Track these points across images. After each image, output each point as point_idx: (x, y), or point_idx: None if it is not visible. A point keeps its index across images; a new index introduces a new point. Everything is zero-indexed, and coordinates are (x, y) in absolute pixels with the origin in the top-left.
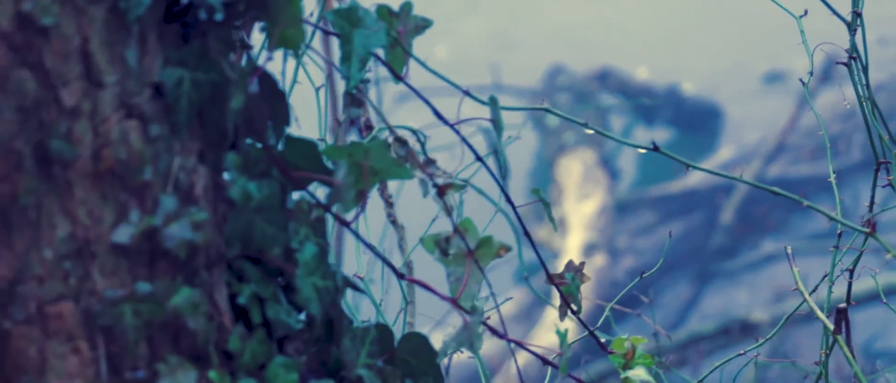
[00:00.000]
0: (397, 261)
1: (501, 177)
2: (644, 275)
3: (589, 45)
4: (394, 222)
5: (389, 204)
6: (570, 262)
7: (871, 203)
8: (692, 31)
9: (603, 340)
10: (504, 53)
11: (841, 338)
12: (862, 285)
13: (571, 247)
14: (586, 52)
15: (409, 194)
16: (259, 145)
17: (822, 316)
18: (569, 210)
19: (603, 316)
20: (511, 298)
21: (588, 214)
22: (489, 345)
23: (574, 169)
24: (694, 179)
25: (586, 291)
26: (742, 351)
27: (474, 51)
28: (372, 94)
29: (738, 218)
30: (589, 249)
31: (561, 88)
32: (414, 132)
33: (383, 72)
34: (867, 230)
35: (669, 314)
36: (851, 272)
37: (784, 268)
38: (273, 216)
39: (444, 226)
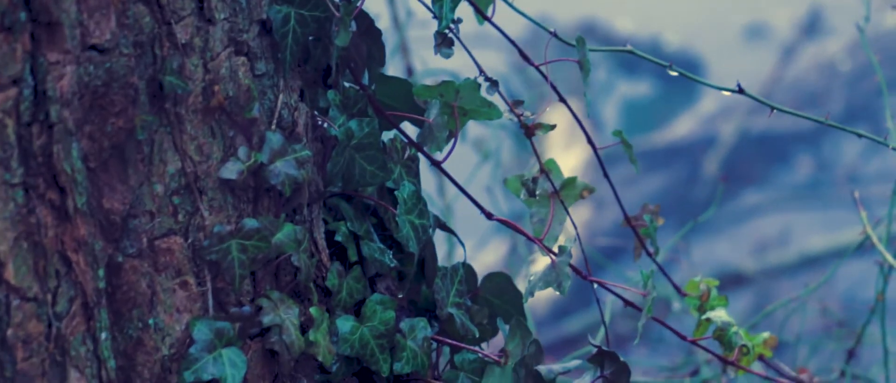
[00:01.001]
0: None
1: (585, 116)
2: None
3: None
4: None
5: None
6: (646, 205)
7: None
8: None
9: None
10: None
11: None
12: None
13: None
14: (569, 2)
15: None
16: (353, 85)
17: (882, 249)
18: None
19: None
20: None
21: (572, 165)
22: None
23: (557, 120)
24: (677, 132)
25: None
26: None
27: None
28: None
29: (721, 170)
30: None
31: (544, 40)
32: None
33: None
34: None
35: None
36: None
37: (766, 220)
38: (373, 154)
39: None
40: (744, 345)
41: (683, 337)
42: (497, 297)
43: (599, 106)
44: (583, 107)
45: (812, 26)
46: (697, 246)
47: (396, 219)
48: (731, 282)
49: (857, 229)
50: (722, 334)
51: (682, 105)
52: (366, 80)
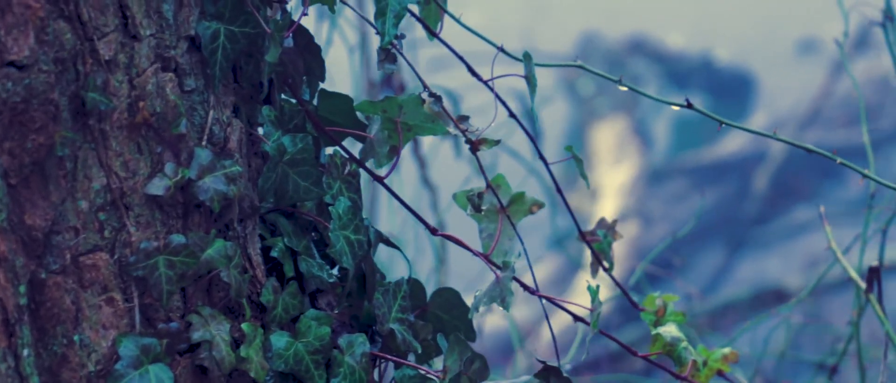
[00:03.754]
0: (431, 222)
1: (534, 134)
2: (678, 236)
3: (622, 11)
4: (427, 182)
5: (422, 164)
6: (603, 220)
7: None
8: None
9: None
10: (537, 19)
11: (873, 297)
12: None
13: (604, 215)
14: (619, 18)
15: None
16: (293, 100)
17: (853, 274)
18: (601, 177)
19: (636, 274)
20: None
21: (621, 181)
22: (522, 311)
23: (607, 136)
24: (727, 148)
25: (620, 258)
26: (780, 316)
27: (508, 16)
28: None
29: (771, 186)
30: (622, 217)
31: (594, 55)
32: (447, 92)
33: (419, 32)
34: None
35: (701, 281)
36: (884, 232)
37: (816, 236)
38: (307, 169)
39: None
40: (692, 361)
41: (635, 353)
42: (446, 313)
43: (650, 122)
44: (632, 122)
45: (863, 41)
46: (747, 262)
47: (330, 234)
48: (775, 298)
49: None
50: (671, 349)
51: (734, 120)
52: (308, 96)
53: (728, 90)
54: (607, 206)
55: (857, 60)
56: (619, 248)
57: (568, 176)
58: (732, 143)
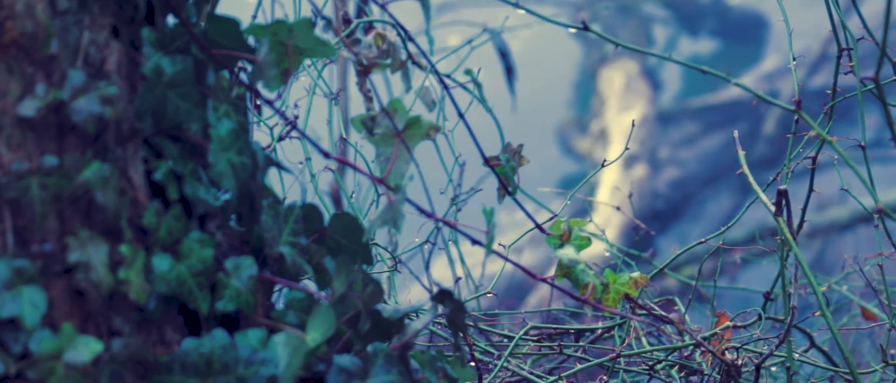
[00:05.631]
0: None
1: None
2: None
3: None
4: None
5: (368, 98)
6: (508, 144)
7: None
8: None
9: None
10: None
11: (781, 220)
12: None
13: (613, 158)
14: None
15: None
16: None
17: (761, 193)
18: (610, 121)
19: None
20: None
21: (630, 125)
22: (535, 255)
23: (616, 80)
24: (736, 91)
25: (628, 202)
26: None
27: None
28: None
29: (781, 128)
30: (630, 160)
31: None
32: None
33: None
34: None
35: (712, 224)
36: (814, 158)
37: (826, 178)
38: (187, 91)
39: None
40: (590, 283)
41: (534, 276)
42: (344, 237)
43: (661, 65)
44: (640, 67)
45: None
46: (757, 204)
47: (210, 156)
48: (772, 238)
49: None
50: (568, 271)
51: (746, 63)
52: (196, 19)
53: (740, 33)
54: (615, 150)
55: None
56: (625, 191)
57: (580, 121)
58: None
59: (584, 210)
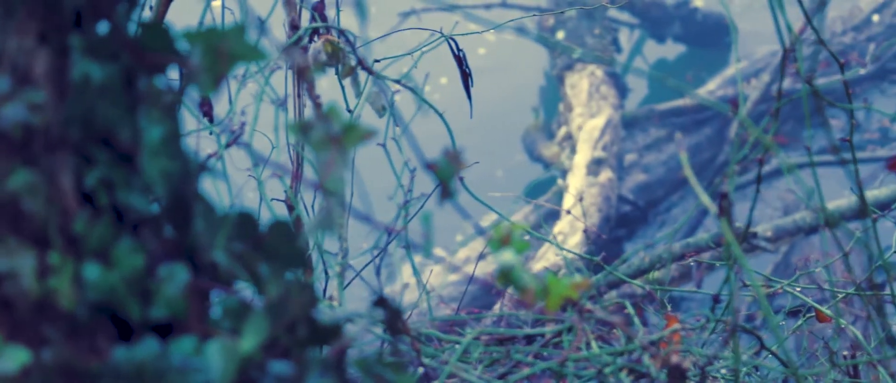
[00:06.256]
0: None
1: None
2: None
3: None
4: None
5: (318, 105)
6: (448, 148)
7: None
8: None
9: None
10: None
11: (724, 221)
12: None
13: (579, 164)
14: None
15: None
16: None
17: (703, 196)
18: (576, 127)
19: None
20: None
21: (596, 130)
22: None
23: (582, 85)
24: (703, 94)
25: (593, 207)
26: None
27: None
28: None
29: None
30: (596, 165)
31: (569, 3)
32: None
33: None
34: None
35: (680, 230)
36: (761, 161)
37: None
38: (116, 98)
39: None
40: (527, 288)
41: (473, 279)
42: (281, 244)
43: (626, 70)
44: (605, 72)
45: None
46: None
47: (141, 162)
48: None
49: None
50: (507, 275)
51: (712, 67)
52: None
53: (706, 38)
54: (582, 156)
55: (836, 3)
56: (593, 197)
57: (547, 128)
58: (708, 91)
59: (554, 215)
